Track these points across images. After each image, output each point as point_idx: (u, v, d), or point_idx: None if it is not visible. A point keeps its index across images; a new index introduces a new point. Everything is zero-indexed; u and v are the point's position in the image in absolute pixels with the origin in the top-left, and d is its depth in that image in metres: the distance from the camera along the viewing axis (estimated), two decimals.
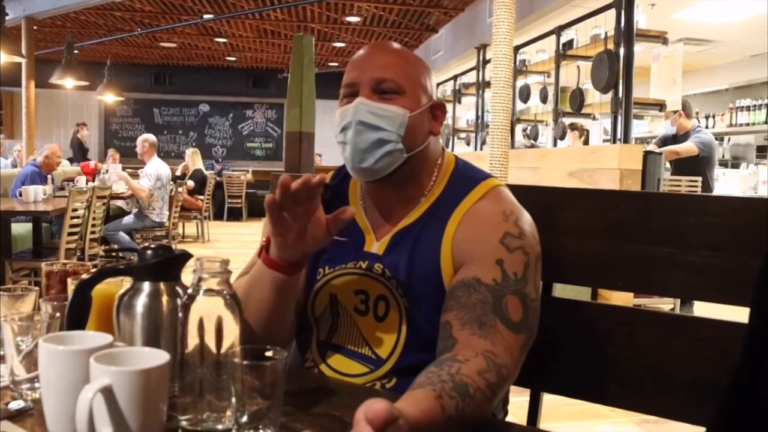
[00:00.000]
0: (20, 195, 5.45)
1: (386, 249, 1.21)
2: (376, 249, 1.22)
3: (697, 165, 5.39)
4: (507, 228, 1.13)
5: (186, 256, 0.98)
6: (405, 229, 1.21)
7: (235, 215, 11.82)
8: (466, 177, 1.23)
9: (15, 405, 0.91)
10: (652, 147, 5.59)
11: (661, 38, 5.23)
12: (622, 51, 4.88)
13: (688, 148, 5.42)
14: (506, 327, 1.04)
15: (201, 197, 9.02)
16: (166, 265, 0.96)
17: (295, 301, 1.19)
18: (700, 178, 5.11)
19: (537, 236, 1.16)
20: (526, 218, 1.17)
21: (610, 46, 5.06)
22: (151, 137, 7.14)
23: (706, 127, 8.79)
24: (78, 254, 4.95)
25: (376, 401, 0.73)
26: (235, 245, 8.67)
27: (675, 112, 5.55)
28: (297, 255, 1.07)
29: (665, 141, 5.77)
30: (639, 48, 5.17)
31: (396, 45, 1.27)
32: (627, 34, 4.84)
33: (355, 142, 1.17)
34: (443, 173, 1.25)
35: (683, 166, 5.40)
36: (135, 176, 7.12)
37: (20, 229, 5.57)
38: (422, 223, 1.20)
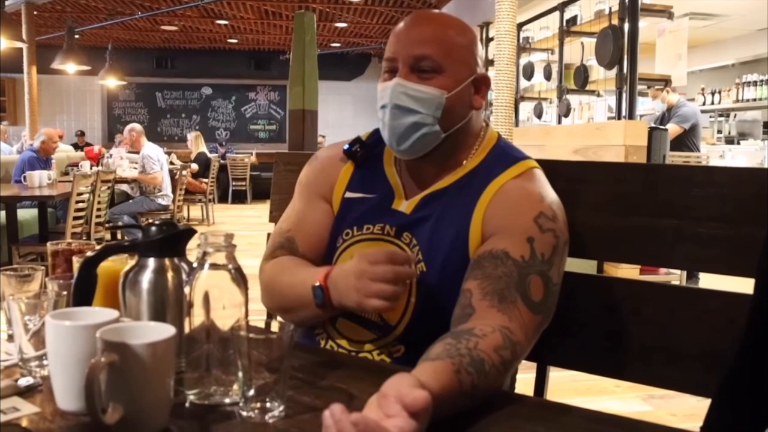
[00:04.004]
0: (24, 180, 5.46)
1: (414, 208, 1.21)
2: (404, 208, 1.22)
3: (683, 137, 5.72)
4: (542, 208, 1.13)
5: (190, 232, 0.98)
6: (437, 192, 1.21)
7: (239, 198, 11.83)
8: (506, 154, 1.23)
9: (24, 381, 0.91)
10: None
11: (666, 13, 5.18)
12: (626, 26, 4.83)
13: (672, 130, 5.59)
14: (525, 305, 1.05)
15: (205, 180, 9.03)
16: (170, 241, 0.95)
17: None
18: (703, 154, 5.21)
19: (566, 223, 1.16)
20: (559, 204, 1.17)
21: (615, 21, 5.02)
22: (137, 126, 7.29)
23: (712, 103, 8.75)
24: (83, 238, 4.97)
25: (414, 390, 0.74)
26: (240, 227, 8.68)
27: (660, 90, 5.78)
28: None
29: (662, 120, 5.90)
30: (644, 23, 5.12)
31: (439, 14, 1.24)
32: (632, 8, 4.79)
33: (391, 126, 1.18)
34: (483, 147, 1.25)
35: (672, 142, 5.52)
36: (134, 162, 7.18)
37: (25, 214, 5.59)
38: (455, 189, 1.20)
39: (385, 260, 1.03)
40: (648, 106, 8.45)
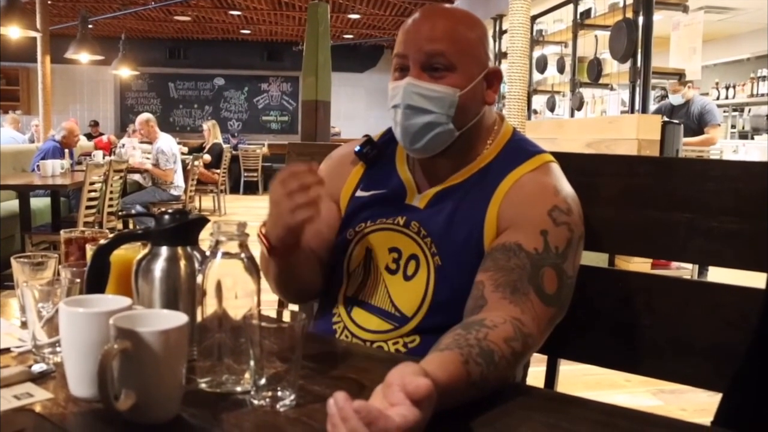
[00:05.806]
0: (38, 169, 5.48)
1: (428, 204, 1.22)
2: (417, 203, 1.22)
3: (699, 132, 5.59)
4: (556, 202, 1.12)
5: (203, 221, 0.98)
6: (451, 188, 1.21)
7: (251, 189, 11.86)
8: (521, 148, 1.23)
9: (37, 368, 0.92)
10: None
11: (681, 6, 5.15)
12: (641, 19, 4.80)
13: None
14: (538, 297, 1.05)
15: (217, 171, 9.05)
16: (183, 230, 0.96)
17: (307, 270, 1.23)
18: (717, 148, 5.18)
19: (582, 217, 1.16)
20: (574, 197, 1.16)
21: (629, 14, 4.98)
22: (151, 116, 7.26)
23: (726, 98, 8.68)
24: (96, 227, 5.00)
25: (417, 378, 0.74)
26: (252, 218, 8.70)
27: (682, 84, 5.66)
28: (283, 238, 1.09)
29: (663, 110, 5.80)
30: (658, 16, 5.09)
31: (449, 9, 1.23)
32: (646, 1, 4.76)
33: (404, 126, 1.18)
34: (498, 141, 1.24)
35: (688, 132, 5.48)
36: (146, 152, 7.20)
37: (39, 203, 5.62)
38: (470, 184, 1.20)
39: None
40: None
